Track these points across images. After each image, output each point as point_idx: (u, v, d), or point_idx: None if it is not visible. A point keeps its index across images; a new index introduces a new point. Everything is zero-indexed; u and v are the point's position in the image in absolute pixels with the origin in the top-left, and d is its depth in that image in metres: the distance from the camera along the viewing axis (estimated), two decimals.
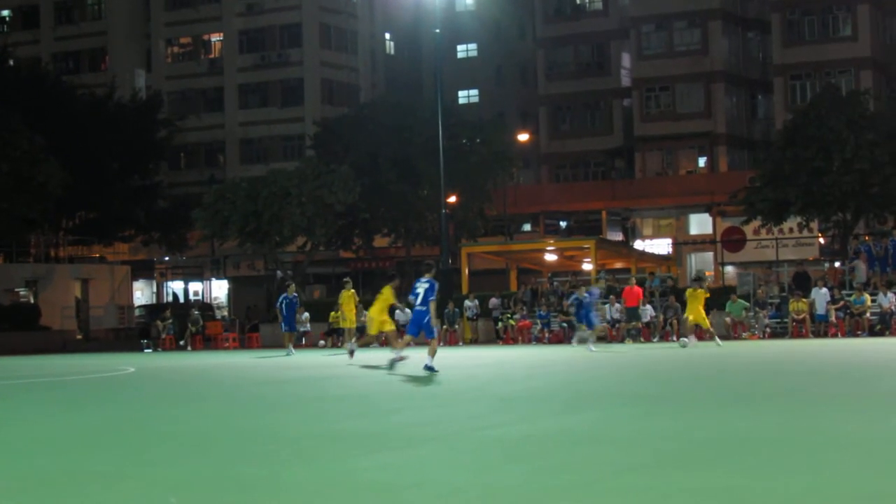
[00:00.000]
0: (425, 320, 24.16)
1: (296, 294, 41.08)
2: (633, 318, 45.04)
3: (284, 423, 14.64)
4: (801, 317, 44.58)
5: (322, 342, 51.42)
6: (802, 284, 46.29)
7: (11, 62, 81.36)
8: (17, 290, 70.14)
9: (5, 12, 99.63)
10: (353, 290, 40.14)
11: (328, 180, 61.04)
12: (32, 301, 69.32)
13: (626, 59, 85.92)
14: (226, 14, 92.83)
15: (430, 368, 23.41)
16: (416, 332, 24.92)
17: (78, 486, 9.58)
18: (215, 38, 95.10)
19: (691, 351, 34.29)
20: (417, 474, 9.70)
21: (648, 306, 45.85)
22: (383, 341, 39.41)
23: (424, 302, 24.15)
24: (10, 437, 14.00)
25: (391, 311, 31.83)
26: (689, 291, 39.91)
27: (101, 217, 79.03)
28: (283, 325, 41.78)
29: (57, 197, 66.32)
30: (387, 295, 28.94)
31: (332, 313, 51.92)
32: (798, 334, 44.12)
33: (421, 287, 24.39)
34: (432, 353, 23.87)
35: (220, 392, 21.64)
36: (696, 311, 38.44)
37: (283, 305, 40.96)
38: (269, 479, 9.56)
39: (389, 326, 29.45)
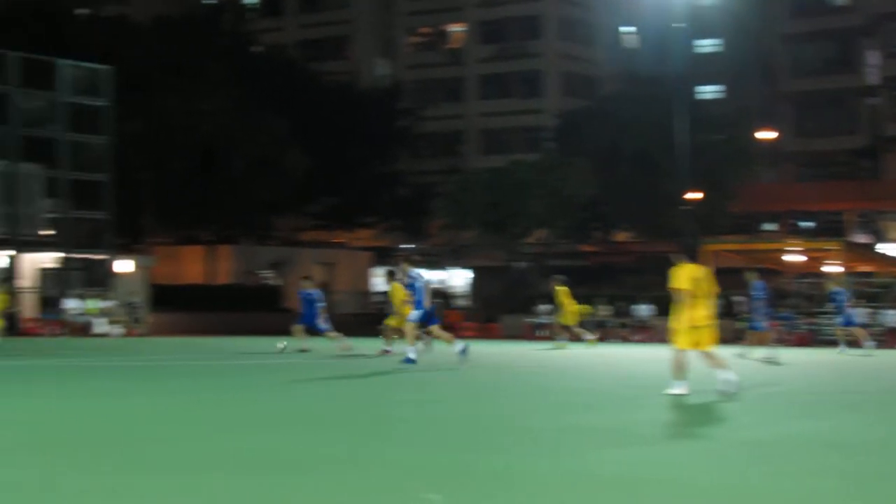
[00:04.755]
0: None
1: (312, 290, 35.29)
2: None
3: (520, 414, 14.67)
4: None
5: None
6: None
7: (258, 49, 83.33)
8: (261, 272, 71.91)
9: (252, 0, 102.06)
10: (565, 287, 39.27)
11: (567, 173, 61.03)
12: (276, 283, 70.95)
13: (872, 57, 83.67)
14: (466, 5, 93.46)
15: None
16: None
17: (311, 467, 9.65)
18: (456, 28, 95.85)
19: None
20: (660, 471, 9.56)
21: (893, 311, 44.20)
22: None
23: None
24: (247, 414, 14.34)
25: None
26: None
27: (343, 203, 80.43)
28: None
29: (301, 182, 67.78)
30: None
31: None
32: None
33: None
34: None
35: (456, 379, 21.82)
36: None
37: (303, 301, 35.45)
38: (506, 470, 9.52)
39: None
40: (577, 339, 40.25)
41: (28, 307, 53.66)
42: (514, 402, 16.80)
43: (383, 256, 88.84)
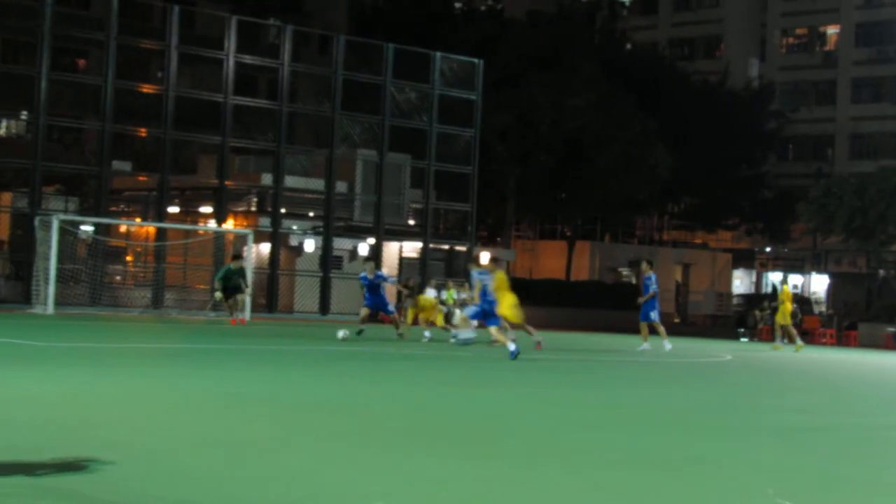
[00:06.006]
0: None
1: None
2: None
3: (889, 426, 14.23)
4: None
5: None
6: None
7: (629, 46, 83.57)
8: (619, 269, 72.02)
9: None
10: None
11: None
12: (634, 282, 70.91)
13: None
14: (844, 6, 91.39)
15: None
16: None
17: (676, 467, 9.54)
18: (831, 30, 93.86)
19: None
20: None
21: None
22: None
23: None
24: (617, 412, 14.44)
25: None
26: None
27: (705, 203, 79.80)
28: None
29: (664, 180, 67.53)
30: None
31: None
32: None
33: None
34: None
35: (815, 386, 21.36)
36: None
37: None
38: (868, 480, 9.28)
39: None
40: (790, 338, 39.15)
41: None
42: (883, 412, 16.29)
43: (743, 259, 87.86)
